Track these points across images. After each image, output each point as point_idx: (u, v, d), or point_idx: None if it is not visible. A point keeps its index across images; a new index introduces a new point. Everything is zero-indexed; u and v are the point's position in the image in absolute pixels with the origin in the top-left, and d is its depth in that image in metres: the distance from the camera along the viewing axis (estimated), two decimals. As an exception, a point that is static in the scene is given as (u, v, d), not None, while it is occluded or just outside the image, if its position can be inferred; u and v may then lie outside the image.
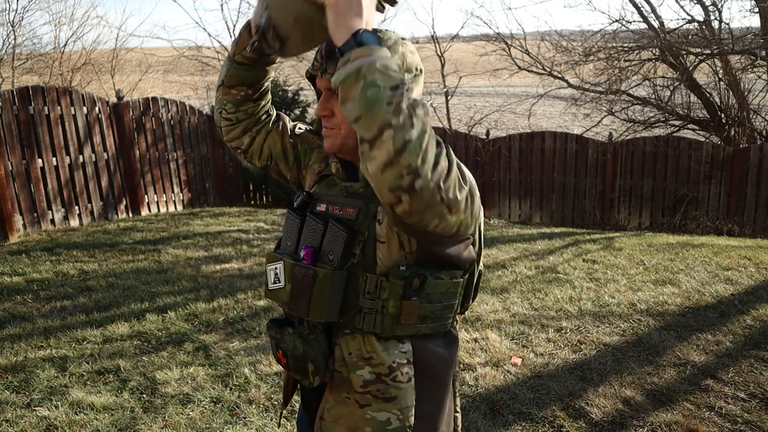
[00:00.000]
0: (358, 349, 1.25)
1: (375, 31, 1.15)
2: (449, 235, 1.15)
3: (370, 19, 1.10)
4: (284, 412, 2.96)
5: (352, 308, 1.24)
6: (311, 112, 9.87)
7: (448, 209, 1.07)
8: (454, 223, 1.12)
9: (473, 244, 1.28)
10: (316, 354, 1.25)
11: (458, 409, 1.43)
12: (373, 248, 1.22)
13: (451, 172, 1.05)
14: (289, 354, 1.28)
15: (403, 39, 1.27)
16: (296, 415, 2.94)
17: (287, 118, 1.53)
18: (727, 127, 9.77)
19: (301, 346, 1.26)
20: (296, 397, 3.07)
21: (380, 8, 1.20)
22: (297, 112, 9.75)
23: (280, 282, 1.29)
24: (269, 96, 1.48)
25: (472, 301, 1.45)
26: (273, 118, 1.51)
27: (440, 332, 1.29)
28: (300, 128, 1.47)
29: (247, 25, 1.29)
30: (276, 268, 1.30)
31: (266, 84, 1.44)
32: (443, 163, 1.03)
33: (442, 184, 1.03)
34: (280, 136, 1.49)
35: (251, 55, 1.32)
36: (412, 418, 1.26)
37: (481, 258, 1.38)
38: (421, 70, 1.29)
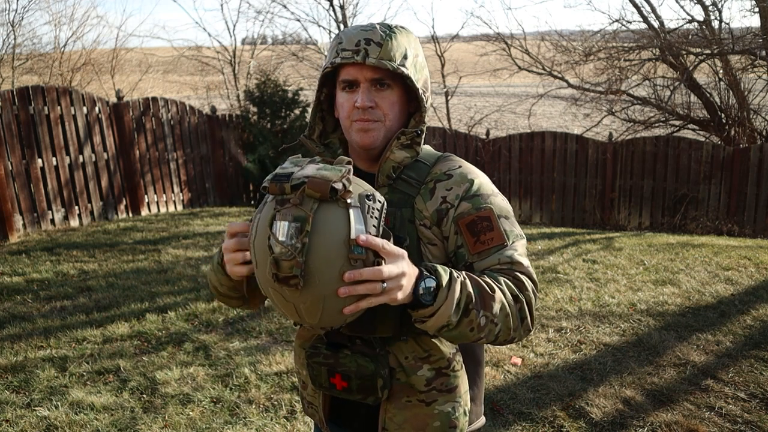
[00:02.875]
0: (413, 351, 1.24)
1: (431, 272, 1.07)
2: None
3: (409, 269, 1.03)
4: (283, 412, 2.96)
5: (410, 315, 1.19)
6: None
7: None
8: None
9: None
10: (383, 368, 1.22)
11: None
12: (417, 251, 1.21)
13: (533, 316, 1.17)
14: (353, 375, 1.22)
15: (407, 31, 1.24)
16: (299, 407, 2.94)
17: None
18: (727, 127, 9.77)
19: (370, 364, 1.21)
20: (296, 397, 3.07)
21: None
22: (297, 111, 9.74)
23: None
24: None
25: None
26: None
27: None
28: None
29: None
30: None
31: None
32: (527, 319, 1.16)
33: (531, 328, 1.18)
34: None
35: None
36: (469, 402, 1.31)
37: None
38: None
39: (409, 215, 1.22)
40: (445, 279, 1.05)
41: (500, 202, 1.23)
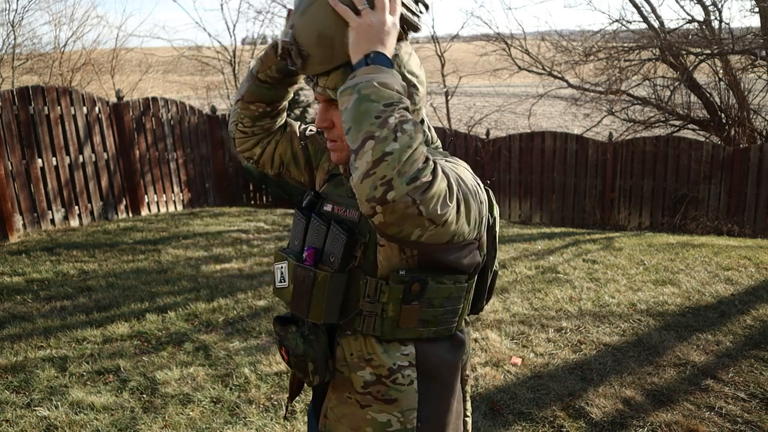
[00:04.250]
0: (359, 350, 1.26)
1: (395, 57, 1.16)
2: (443, 243, 1.12)
3: (391, 46, 1.12)
4: (283, 412, 2.96)
5: (352, 310, 1.24)
6: (312, 113, 9.87)
7: (431, 222, 1.04)
8: (444, 234, 1.09)
9: (479, 248, 1.25)
10: (316, 354, 1.27)
11: (468, 413, 1.42)
12: (374, 251, 1.22)
13: (432, 187, 1.02)
14: (291, 352, 1.31)
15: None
16: (300, 407, 2.94)
17: (295, 124, 1.53)
18: (727, 127, 9.77)
19: (302, 345, 1.28)
20: (296, 397, 3.07)
21: (403, 36, 1.22)
22: (297, 112, 9.75)
23: (284, 281, 1.30)
24: (285, 113, 1.50)
25: (487, 303, 1.45)
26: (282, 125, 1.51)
27: (445, 336, 1.28)
28: (311, 130, 1.48)
29: (274, 45, 1.30)
30: (282, 267, 1.31)
31: (284, 103, 1.46)
32: (424, 178, 1.01)
33: (418, 197, 1.00)
34: (289, 142, 1.49)
35: (275, 75, 1.34)
36: (415, 421, 1.25)
37: (496, 259, 1.38)
38: (416, 75, 1.24)
39: None
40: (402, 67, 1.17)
41: (460, 171, 1.18)
